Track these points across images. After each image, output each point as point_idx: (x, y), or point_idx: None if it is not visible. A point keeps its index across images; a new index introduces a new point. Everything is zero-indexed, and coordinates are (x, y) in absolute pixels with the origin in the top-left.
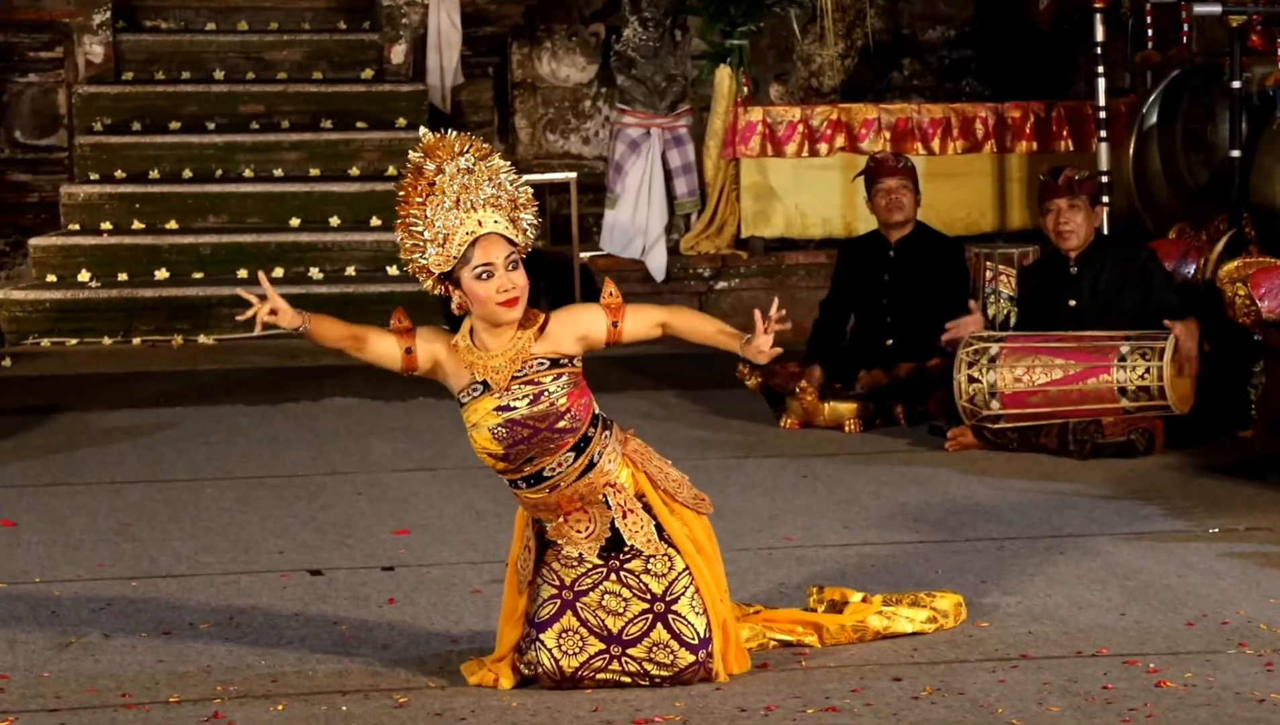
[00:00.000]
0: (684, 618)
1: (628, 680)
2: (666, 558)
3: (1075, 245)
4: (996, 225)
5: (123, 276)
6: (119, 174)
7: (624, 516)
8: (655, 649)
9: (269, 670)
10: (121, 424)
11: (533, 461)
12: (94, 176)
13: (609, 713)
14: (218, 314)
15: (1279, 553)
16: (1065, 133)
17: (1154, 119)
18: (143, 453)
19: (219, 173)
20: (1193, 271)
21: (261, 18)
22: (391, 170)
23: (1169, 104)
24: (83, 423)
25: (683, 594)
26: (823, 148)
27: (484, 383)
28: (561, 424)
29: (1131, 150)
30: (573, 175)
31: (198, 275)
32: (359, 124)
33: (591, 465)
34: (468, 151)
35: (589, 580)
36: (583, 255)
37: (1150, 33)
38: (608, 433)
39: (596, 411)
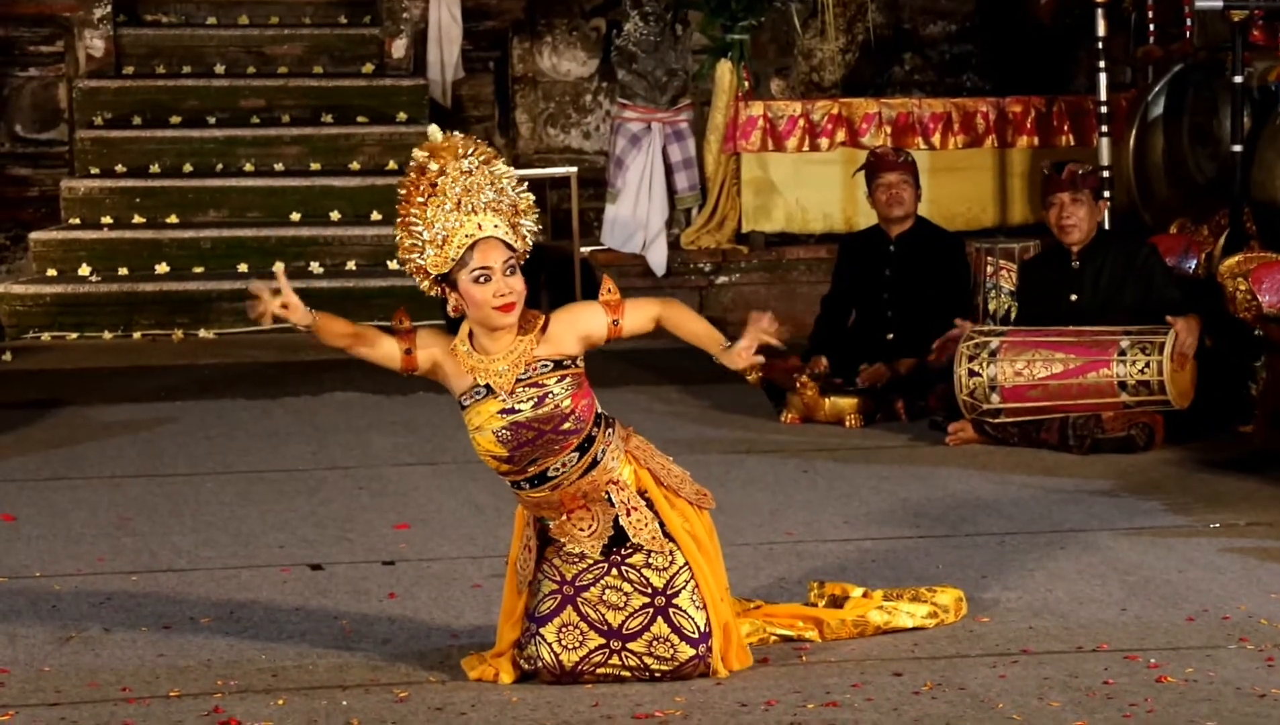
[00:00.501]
0: (684, 611)
1: (628, 675)
2: (668, 553)
3: (1078, 239)
4: (997, 220)
5: (123, 271)
6: (119, 168)
7: (628, 513)
8: (655, 643)
9: (269, 665)
10: (122, 418)
11: (536, 462)
12: (94, 171)
13: (609, 707)
14: (218, 308)
15: (1279, 547)
16: (1066, 127)
17: (1156, 113)
18: (143, 447)
19: (219, 167)
20: (1194, 266)
21: (262, 12)
22: (392, 165)
23: (1173, 98)
24: (83, 417)
25: (683, 588)
26: (823, 142)
27: (487, 386)
28: (566, 425)
29: (1132, 145)
30: (573, 170)
31: (198, 269)
32: (360, 119)
33: (595, 464)
34: (472, 154)
35: (590, 575)
36: (583, 250)
37: (1152, 27)
38: (610, 431)
39: (599, 410)
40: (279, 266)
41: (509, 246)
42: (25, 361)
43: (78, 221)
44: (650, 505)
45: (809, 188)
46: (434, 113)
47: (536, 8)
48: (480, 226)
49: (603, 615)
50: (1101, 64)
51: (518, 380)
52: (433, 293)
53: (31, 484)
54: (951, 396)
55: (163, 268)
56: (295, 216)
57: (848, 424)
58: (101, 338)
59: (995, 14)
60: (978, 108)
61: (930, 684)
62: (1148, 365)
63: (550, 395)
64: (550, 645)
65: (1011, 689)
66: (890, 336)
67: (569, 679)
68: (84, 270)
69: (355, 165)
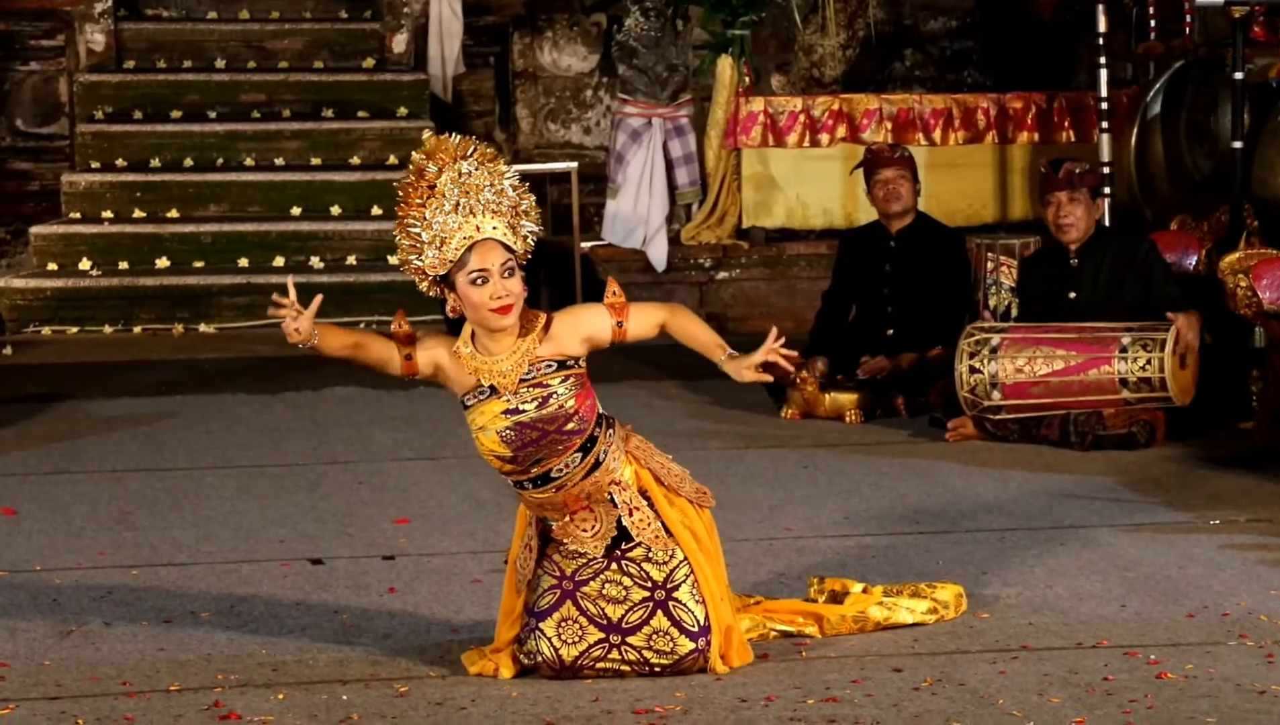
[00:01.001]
0: (684, 605)
1: (627, 670)
2: (669, 549)
3: (1075, 238)
4: (998, 216)
5: (124, 265)
6: (120, 162)
7: (630, 514)
8: (655, 637)
9: (269, 659)
10: (122, 412)
11: (540, 463)
12: (95, 165)
13: (609, 702)
14: (218, 303)
15: (1279, 544)
16: (1067, 124)
17: (1156, 110)
18: (143, 441)
19: (220, 161)
20: (1194, 263)
21: (263, 6)
22: (393, 159)
23: (1172, 95)
24: (83, 411)
25: (683, 582)
26: (824, 138)
27: (490, 387)
28: (570, 426)
29: (1133, 141)
30: (574, 165)
31: (198, 264)
32: (360, 113)
33: (598, 464)
34: (471, 155)
35: (589, 570)
36: (584, 245)
37: (1153, 23)
38: (611, 432)
39: (600, 410)
40: (290, 282)
41: (508, 248)
42: (25, 356)
43: (78, 216)
44: (651, 505)
45: (809, 183)
46: (434, 107)
47: (537, 3)
48: (479, 228)
49: (602, 609)
50: (1102, 60)
51: (521, 380)
52: (431, 293)
53: (32, 478)
54: (952, 392)
55: (163, 262)
56: (296, 211)
57: (848, 420)
58: (102, 332)
59: (996, 10)
60: (978, 104)
61: (930, 680)
62: (1149, 362)
63: (554, 395)
64: (550, 640)
65: (1011, 685)
66: (890, 332)
67: (568, 674)
68: (84, 264)
69: (356, 160)
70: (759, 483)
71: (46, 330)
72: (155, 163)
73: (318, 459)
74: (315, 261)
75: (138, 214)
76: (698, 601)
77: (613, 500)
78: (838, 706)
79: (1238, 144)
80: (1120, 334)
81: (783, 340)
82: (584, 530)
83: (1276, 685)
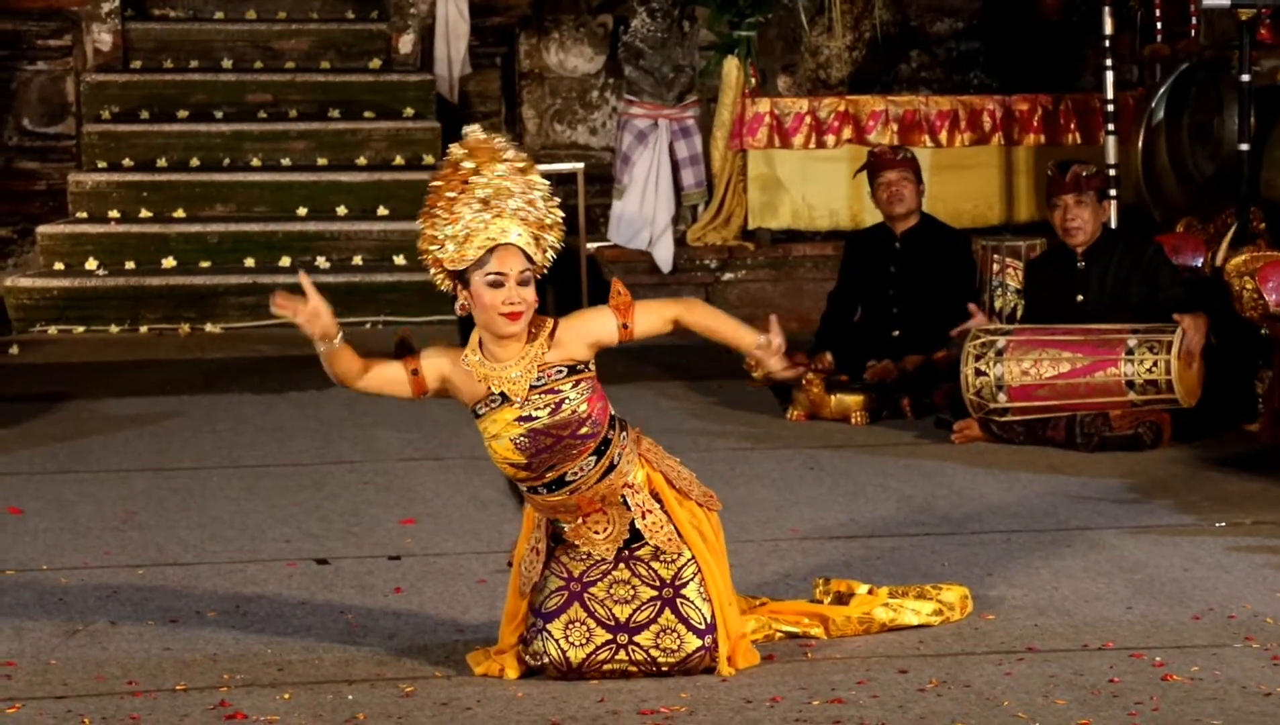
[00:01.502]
0: (691, 602)
1: (634, 670)
2: (678, 548)
3: (1082, 241)
4: (1003, 217)
5: (130, 265)
6: (126, 162)
7: (643, 516)
8: (662, 634)
9: (275, 659)
10: (128, 412)
11: (555, 468)
12: (102, 165)
13: (614, 703)
14: (224, 303)
15: None
16: (1073, 125)
17: (1162, 112)
18: (149, 441)
19: (226, 161)
20: (1200, 265)
21: (269, 7)
22: (399, 160)
23: (1177, 97)
24: (89, 411)
25: (691, 579)
26: (830, 139)
27: (501, 394)
28: (584, 430)
29: (1140, 143)
30: (580, 166)
31: (205, 264)
32: (366, 114)
33: (612, 467)
34: (509, 159)
35: (597, 572)
36: (590, 246)
37: (1159, 25)
38: (624, 434)
39: (612, 413)
40: (303, 275)
41: (528, 257)
42: (32, 355)
43: (85, 215)
44: (662, 507)
45: (815, 184)
46: (440, 108)
47: (544, 3)
48: (504, 231)
49: (610, 610)
50: (1108, 62)
51: (531, 387)
52: (444, 287)
53: (38, 477)
54: (957, 394)
55: (169, 262)
56: (302, 211)
57: (853, 421)
58: (108, 332)
59: (1002, 11)
60: (984, 105)
61: (935, 681)
62: (1155, 364)
63: (566, 401)
64: (557, 642)
65: (1017, 687)
66: (896, 333)
67: (575, 675)
68: (91, 264)
69: (362, 160)
70: (764, 483)
71: (53, 330)
72: (162, 163)
73: (323, 459)
74: (321, 262)
75: (144, 214)
76: (704, 599)
77: (625, 503)
78: (843, 708)
79: (1244, 146)
80: (1126, 336)
81: (780, 338)
82: (596, 533)
83: None
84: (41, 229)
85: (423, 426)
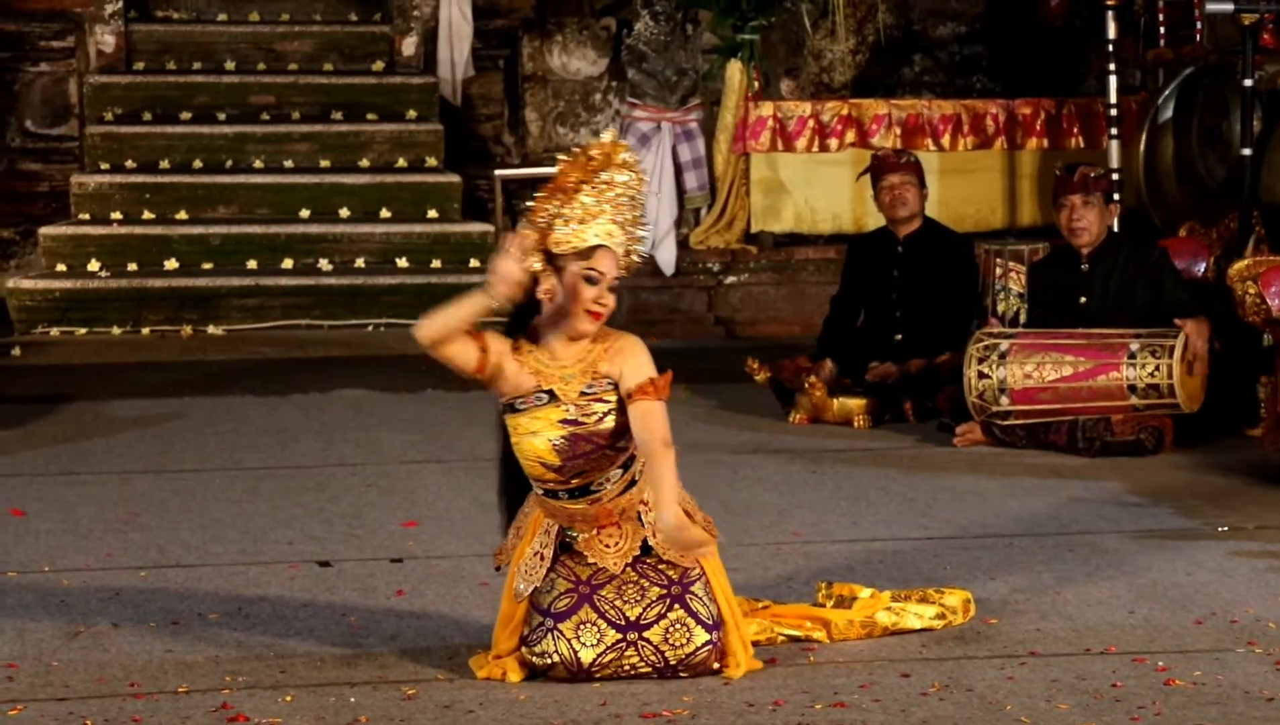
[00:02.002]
0: (700, 597)
1: (645, 669)
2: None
3: (1088, 242)
4: (1006, 221)
5: (132, 266)
6: (129, 164)
7: (655, 534)
8: (671, 629)
9: (277, 661)
10: (130, 414)
11: (583, 474)
12: (104, 166)
13: (616, 706)
14: (227, 304)
15: None
16: (1076, 130)
17: (1167, 116)
18: (151, 443)
19: (229, 163)
20: (1203, 270)
21: (273, 9)
22: (401, 162)
23: (1184, 101)
24: (92, 412)
25: (698, 579)
26: (833, 143)
27: (550, 392)
28: (620, 442)
29: (1142, 147)
30: None
31: (207, 266)
32: (369, 116)
33: (634, 482)
34: (632, 174)
35: (605, 576)
36: None
37: (1162, 30)
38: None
39: None
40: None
41: (619, 267)
42: (34, 356)
43: (87, 217)
44: None
45: (818, 188)
46: (444, 111)
47: (547, 6)
48: (610, 235)
49: (620, 610)
50: (1111, 66)
51: (582, 392)
52: (534, 267)
53: (40, 479)
54: (960, 398)
55: (172, 263)
56: (305, 213)
57: (856, 425)
58: (110, 333)
59: (1005, 16)
60: (987, 109)
61: (938, 685)
62: (1158, 368)
63: (612, 412)
64: (570, 641)
65: (1019, 691)
66: (899, 337)
67: (584, 675)
68: (93, 265)
69: (365, 162)
70: (767, 487)
71: (55, 331)
72: (164, 164)
73: (326, 461)
74: (324, 264)
75: (147, 215)
76: (711, 600)
77: (640, 520)
78: (845, 712)
79: (1247, 151)
80: (1129, 340)
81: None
82: (608, 546)
83: None
84: (44, 230)
85: (425, 429)
